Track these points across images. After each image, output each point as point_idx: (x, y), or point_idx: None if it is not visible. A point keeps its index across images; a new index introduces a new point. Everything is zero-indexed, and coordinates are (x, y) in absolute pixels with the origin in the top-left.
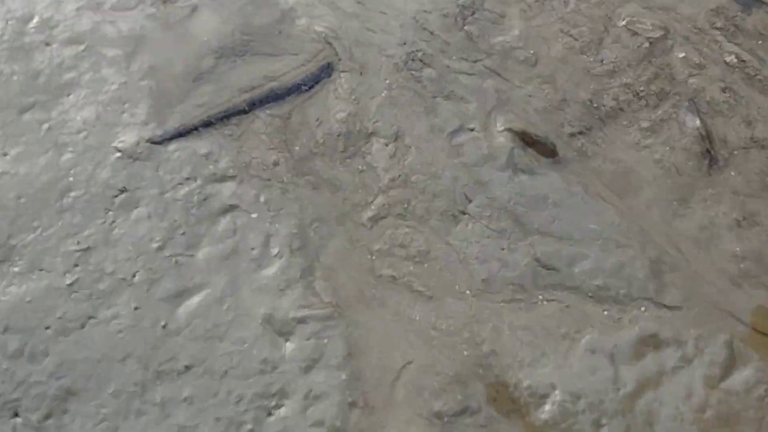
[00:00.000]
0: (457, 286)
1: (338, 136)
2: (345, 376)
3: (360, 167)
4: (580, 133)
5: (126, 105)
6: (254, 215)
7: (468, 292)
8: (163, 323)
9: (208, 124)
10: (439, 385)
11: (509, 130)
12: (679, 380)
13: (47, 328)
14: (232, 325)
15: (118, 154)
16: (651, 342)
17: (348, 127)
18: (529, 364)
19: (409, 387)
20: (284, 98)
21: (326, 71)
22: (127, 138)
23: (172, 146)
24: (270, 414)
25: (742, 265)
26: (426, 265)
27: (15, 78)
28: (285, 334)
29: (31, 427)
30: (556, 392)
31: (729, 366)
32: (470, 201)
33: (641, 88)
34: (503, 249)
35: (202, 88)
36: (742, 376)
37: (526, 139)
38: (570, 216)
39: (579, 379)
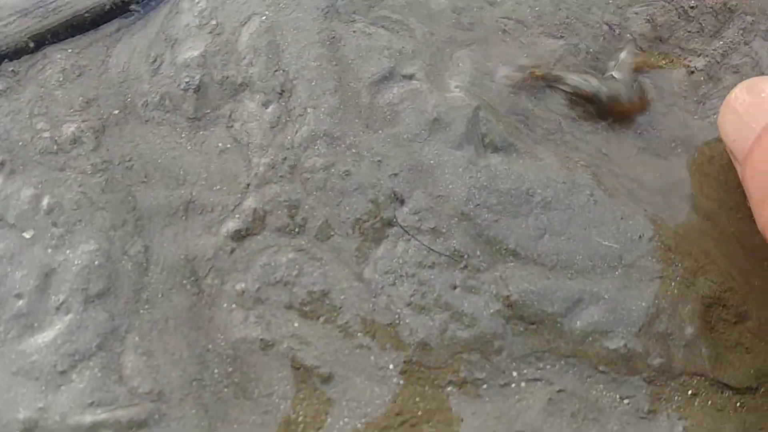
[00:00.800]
0: (373, 357)
1: (186, 90)
2: None
3: (220, 144)
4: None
5: None
6: (27, 235)
7: (391, 366)
8: None
9: None
10: None
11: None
12: None
13: None
14: None
15: None
16: None
17: (204, 73)
18: None
19: None
20: (98, 26)
21: None
22: None
23: None
24: None
25: None
26: (322, 319)
27: None
28: None
29: None
30: None
31: None
32: (402, 202)
33: (692, 3)
34: (455, 287)
35: None
36: None
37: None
38: (571, 226)
39: None
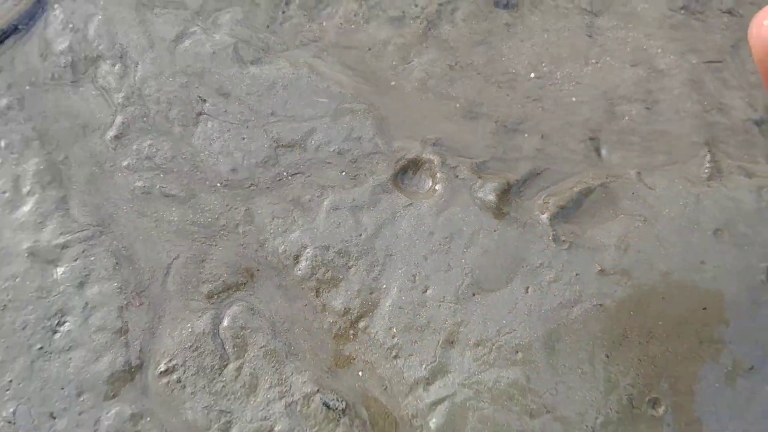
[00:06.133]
0: (207, 182)
1: (64, 67)
2: (117, 284)
3: (93, 92)
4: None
5: None
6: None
7: (219, 184)
8: None
9: None
10: (207, 271)
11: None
12: (410, 215)
13: None
14: (0, 266)
15: None
16: (382, 189)
17: (72, 56)
18: (282, 233)
19: (179, 279)
20: (2, 42)
21: (39, 6)
22: None
23: None
24: (56, 331)
25: (457, 105)
26: (176, 170)
27: None
28: (53, 261)
29: None
30: (308, 250)
31: (450, 199)
32: (205, 101)
33: None
34: (244, 138)
35: None
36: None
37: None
38: (300, 96)
39: (326, 235)
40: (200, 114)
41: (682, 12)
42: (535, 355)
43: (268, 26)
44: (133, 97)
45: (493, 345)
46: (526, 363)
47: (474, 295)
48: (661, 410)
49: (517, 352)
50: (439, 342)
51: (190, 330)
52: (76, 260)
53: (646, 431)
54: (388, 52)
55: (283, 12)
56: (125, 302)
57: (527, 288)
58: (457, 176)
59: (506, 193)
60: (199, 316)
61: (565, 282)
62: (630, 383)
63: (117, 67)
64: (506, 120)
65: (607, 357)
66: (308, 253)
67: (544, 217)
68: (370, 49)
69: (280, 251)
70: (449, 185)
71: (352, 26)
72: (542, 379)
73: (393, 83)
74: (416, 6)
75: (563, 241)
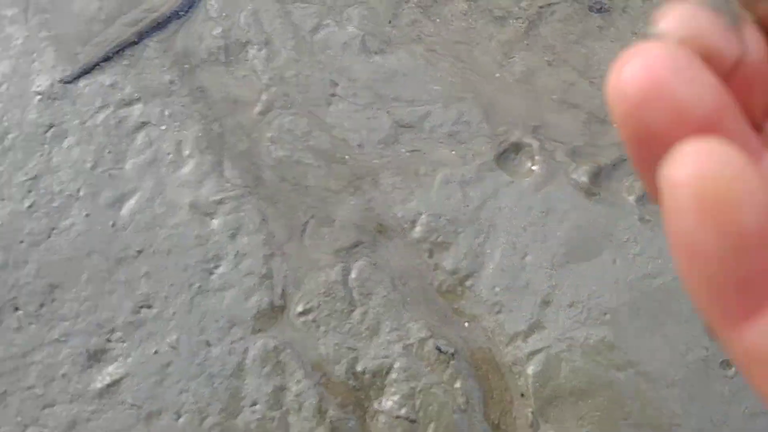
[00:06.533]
0: (337, 155)
1: (218, 49)
2: (263, 237)
3: (242, 73)
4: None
5: (34, 55)
6: (163, 127)
7: (347, 157)
8: (111, 223)
9: (106, 58)
10: (337, 230)
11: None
12: (511, 191)
13: (21, 242)
14: (166, 216)
15: (39, 97)
16: (487, 167)
17: (225, 40)
18: (401, 201)
19: (314, 235)
20: (166, 26)
21: None
22: (42, 82)
23: (82, 83)
24: (212, 273)
25: (554, 96)
26: (311, 143)
27: None
28: (209, 214)
29: (31, 315)
30: (423, 216)
31: (547, 179)
32: (337, 85)
33: None
34: (369, 118)
35: (94, 29)
36: (554, 188)
37: None
38: (417, 83)
39: (438, 205)
40: (332, 95)
41: None
42: (621, 318)
43: (389, 21)
44: (276, 78)
45: (584, 307)
46: (613, 324)
47: (567, 263)
48: (732, 371)
49: (606, 314)
50: (536, 301)
51: (324, 279)
52: (229, 214)
53: (719, 388)
54: (493, 48)
55: (403, 9)
56: (270, 252)
57: (615, 259)
58: (554, 159)
59: (597, 175)
60: (331, 268)
61: (649, 256)
62: (706, 346)
63: (263, 51)
64: (598, 111)
65: (686, 323)
66: (423, 219)
67: (631, 198)
68: (477, 44)
69: (399, 216)
70: (546, 167)
71: (462, 23)
72: (627, 338)
73: (497, 75)
74: (519, 8)
75: (648, 220)
